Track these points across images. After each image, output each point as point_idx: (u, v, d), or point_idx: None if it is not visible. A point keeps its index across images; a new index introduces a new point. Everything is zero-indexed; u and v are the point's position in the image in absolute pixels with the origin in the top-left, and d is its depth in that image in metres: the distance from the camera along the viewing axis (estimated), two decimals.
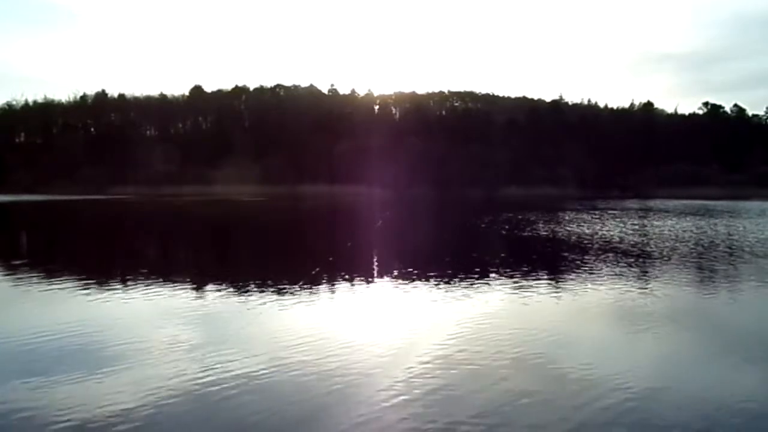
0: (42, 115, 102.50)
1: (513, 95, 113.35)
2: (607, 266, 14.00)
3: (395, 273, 13.18)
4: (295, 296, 10.36)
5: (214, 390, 5.74)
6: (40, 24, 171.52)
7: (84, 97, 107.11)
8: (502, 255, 17.40)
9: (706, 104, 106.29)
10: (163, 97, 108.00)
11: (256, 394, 5.68)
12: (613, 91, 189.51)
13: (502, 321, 8.60)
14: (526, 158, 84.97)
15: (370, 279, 12.84)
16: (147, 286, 11.27)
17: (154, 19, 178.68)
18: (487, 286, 11.45)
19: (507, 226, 27.20)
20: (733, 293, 11.05)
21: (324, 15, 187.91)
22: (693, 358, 7.13)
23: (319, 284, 11.63)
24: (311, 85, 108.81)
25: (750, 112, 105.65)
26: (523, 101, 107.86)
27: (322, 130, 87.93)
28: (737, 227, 25.56)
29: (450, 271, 13.39)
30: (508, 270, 13.38)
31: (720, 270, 13.66)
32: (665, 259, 15.38)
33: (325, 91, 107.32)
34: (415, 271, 13.15)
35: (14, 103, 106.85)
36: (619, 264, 14.40)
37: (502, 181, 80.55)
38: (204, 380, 6.00)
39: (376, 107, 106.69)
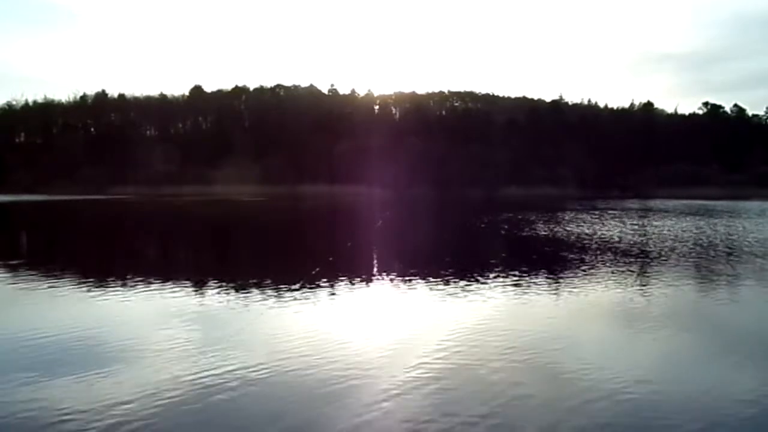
0: (42, 115, 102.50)
1: (513, 95, 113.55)
2: (607, 266, 14.01)
3: (395, 273, 13.18)
4: (295, 296, 10.37)
5: (214, 390, 5.75)
6: (40, 24, 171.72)
7: (84, 97, 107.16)
8: (502, 255, 17.42)
9: (706, 104, 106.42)
10: (163, 97, 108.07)
11: (256, 394, 5.69)
12: (613, 91, 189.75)
13: (501, 321, 8.61)
14: (526, 158, 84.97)
15: (370, 279, 12.85)
16: (147, 286, 11.27)
17: (154, 19, 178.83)
18: (486, 286, 11.46)
19: (507, 226, 27.21)
20: (732, 293, 11.06)
21: (324, 15, 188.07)
22: (693, 357, 7.14)
23: (319, 284, 11.63)
24: (311, 85, 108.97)
25: (750, 112, 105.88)
26: (523, 101, 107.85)
27: (322, 130, 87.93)
28: (737, 227, 25.57)
29: (450, 271, 13.40)
30: (507, 270, 13.39)
31: (719, 270, 13.66)
32: (664, 259, 15.38)
33: (325, 91, 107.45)
34: (415, 271, 13.16)
35: (14, 103, 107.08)
36: (619, 264, 14.41)
37: (502, 181, 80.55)
38: (204, 380, 6.00)
39: (376, 107, 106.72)
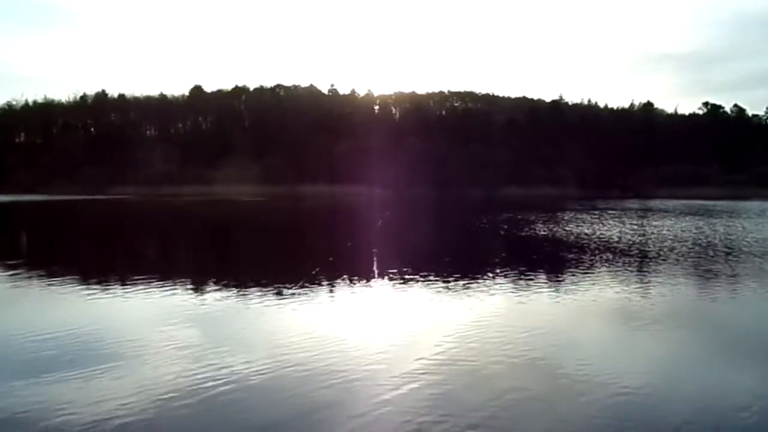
0: (42, 115, 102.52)
1: (513, 95, 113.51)
2: (606, 266, 14.03)
3: (395, 273, 13.20)
4: (295, 296, 10.39)
5: (214, 390, 5.77)
6: (40, 24, 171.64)
7: (84, 97, 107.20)
8: (502, 255, 17.45)
9: (706, 104, 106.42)
10: (163, 97, 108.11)
11: (256, 393, 5.71)
12: (613, 91, 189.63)
13: (501, 321, 8.63)
14: (526, 158, 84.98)
15: (369, 279, 12.86)
16: (147, 286, 11.29)
17: (154, 19, 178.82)
18: (486, 285, 11.47)
19: (506, 226, 27.23)
20: (730, 293, 11.07)
21: (324, 15, 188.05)
22: (691, 357, 7.16)
23: (319, 284, 11.65)
24: (311, 85, 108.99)
25: (750, 112, 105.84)
26: (523, 101, 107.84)
27: (322, 130, 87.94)
28: (736, 227, 25.58)
29: (449, 271, 13.42)
30: (507, 270, 13.41)
31: (718, 270, 13.67)
32: (663, 258, 15.40)
33: (325, 91, 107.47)
34: (415, 271, 13.17)
35: (14, 103, 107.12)
36: (618, 264, 14.43)
37: (502, 181, 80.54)
38: (204, 380, 6.02)
39: (376, 107, 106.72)
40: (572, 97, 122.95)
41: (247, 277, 12.84)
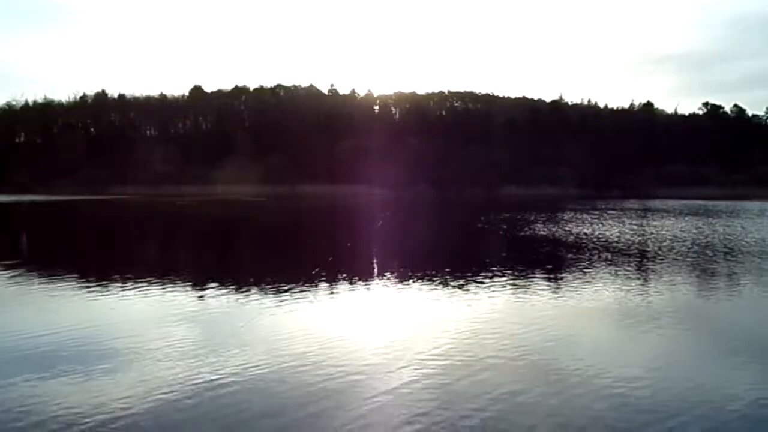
0: (42, 115, 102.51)
1: (513, 95, 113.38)
2: (605, 266, 14.06)
3: (395, 273, 13.23)
4: (295, 296, 10.41)
5: (213, 389, 5.80)
6: (40, 24, 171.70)
7: (84, 97, 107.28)
8: (502, 255, 17.47)
9: (706, 104, 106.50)
10: (163, 97, 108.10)
11: (256, 393, 5.74)
12: (613, 91, 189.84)
13: (499, 319, 8.66)
14: (526, 158, 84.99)
15: (369, 279, 12.90)
16: (147, 286, 11.31)
17: (154, 19, 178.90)
18: (485, 285, 11.50)
19: (506, 226, 27.25)
20: (729, 292, 11.11)
21: (324, 15, 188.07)
22: (689, 356, 7.18)
23: (318, 284, 11.68)
24: (311, 85, 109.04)
25: (750, 112, 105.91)
26: (523, 101, 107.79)
27: (322, 130, 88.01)
28: (735, 227, 25.60)
29: (449, 271, 13.45)
30: (506, 270, 13.43)
31: (717, 270, 13.71)
32: (662, 258, 15.42)
33: (325, 91, 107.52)
34: (415, 271, 13.20)
35: (14, 103, 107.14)
36: (617, 263, 14.45)
37: (502, 181, 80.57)
38: (203, 378, 6.05)
39: (376, 107, 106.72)
40: (572, 97, 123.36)
41: (247, 276, 12.87)
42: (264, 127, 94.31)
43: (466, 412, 5.24)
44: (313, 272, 12.82)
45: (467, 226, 29.37)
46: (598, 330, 8.44)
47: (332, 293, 10.98)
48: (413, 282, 11.97)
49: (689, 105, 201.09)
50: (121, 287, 11.28)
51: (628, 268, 13.78)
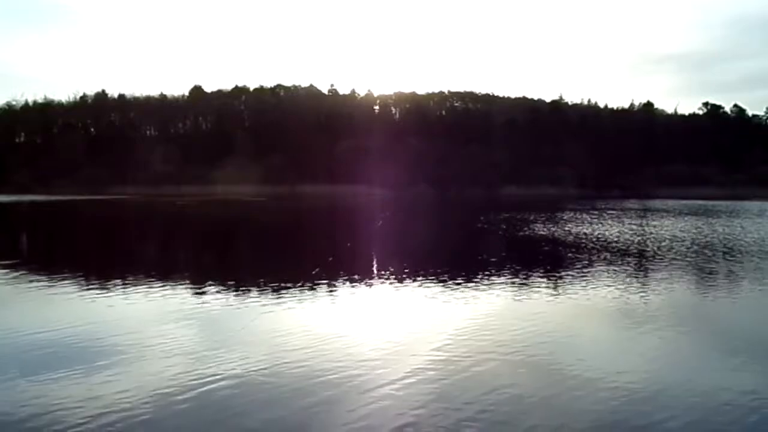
0: (42, 115, 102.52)
1: (513, 95, 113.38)
2: (605, 265, 14.06)
3: (394, 273, 13.24)
4: (295, 296, 10.42)
5: (213, 390, 5.80)
6: (40, 24, 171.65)
7: (84, 97, 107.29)
8: (502, 255, 17.47)
9: (706, 104, 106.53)
10: (163, 97, 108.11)
11: (256, 393, 5.74)
12: (613, 91, 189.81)
13: (498, 319, 8.67)
14: (526, 158, 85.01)
15: (369, 279, 12.90)
16: (147, 286, 11.32)
17: (154, 19, 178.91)
18: (485, 285, 11.51)
19: (505, 226, 27.26)
20: (728, 292, 11.11)
21: (324, 15, 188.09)
22: (689, 355, 7.19)
23: (318, 284, 11.68)
24: (311, 85, 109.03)
25: (750, 112, 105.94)
26: (523, 101, 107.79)
27: (322, 130, 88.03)
28: (735, 227, 25.61)
29: (449, 271, 13.45)
30: (506, 269, 13.45)
31: (716, 269, 13.72)
32: (661, 258, 15.43)
33: (325, 91, 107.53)
34: (415, 271, 13.21)
35: (14, 103, 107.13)
36: (617, 263, 14.46)
37: (502, 181, 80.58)
38: (203, 378, 6.06)
39: (376, 107, 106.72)
40: (572, 97, 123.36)
41: (247, 276, 12.88)
42: (264, 127, 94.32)
43: (466, 411, 5.24)
44: (313, 272, 12.83)
45: (467, 226, 29.38)
46: (598, 330, 8.45)
47: (332, 293, 10.99)
48: (413, 282, 11.98)
49: (689, 105, 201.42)
50: (121, 287, 11.29)
51: (628, 268, 13.79)
